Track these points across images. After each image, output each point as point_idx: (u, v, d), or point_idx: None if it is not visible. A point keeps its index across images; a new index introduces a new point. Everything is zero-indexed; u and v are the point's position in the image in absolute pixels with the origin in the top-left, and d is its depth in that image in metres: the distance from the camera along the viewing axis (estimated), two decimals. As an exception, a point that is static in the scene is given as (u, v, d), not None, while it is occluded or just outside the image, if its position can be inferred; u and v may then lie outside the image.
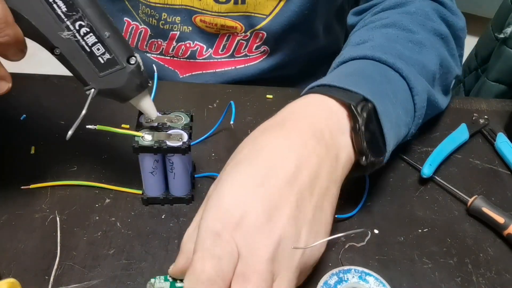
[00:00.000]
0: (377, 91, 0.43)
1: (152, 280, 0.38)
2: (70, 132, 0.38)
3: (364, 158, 0.40)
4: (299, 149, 0.37)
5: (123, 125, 0.52)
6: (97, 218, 0.45)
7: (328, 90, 0.43)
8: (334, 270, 0.39)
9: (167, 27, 0.64)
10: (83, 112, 0.38)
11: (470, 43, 0.99)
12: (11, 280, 0.37)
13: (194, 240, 0.34)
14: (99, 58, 0.37)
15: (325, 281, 0.38)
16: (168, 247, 0.42)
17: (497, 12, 0.83)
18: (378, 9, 0.58)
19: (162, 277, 0.38)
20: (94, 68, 0.37)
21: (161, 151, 0.42)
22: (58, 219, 0.44)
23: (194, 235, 0.35)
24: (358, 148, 0.40)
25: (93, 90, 0.38)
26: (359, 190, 0.48)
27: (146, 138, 0.42)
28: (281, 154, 0.37)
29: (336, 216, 0.45)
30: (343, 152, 0.40)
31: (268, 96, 0.60)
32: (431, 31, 0.54)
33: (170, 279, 0.38)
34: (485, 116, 0.56)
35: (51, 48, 0.37)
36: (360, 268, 0.39)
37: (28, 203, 0.46)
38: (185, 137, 0.42)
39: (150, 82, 0.40)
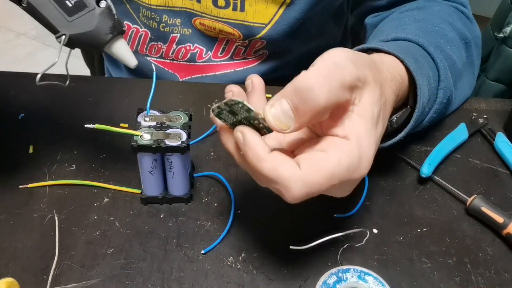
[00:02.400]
0: (419, 70, 0.44)
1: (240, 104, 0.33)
2: (38, 76, 0.38)
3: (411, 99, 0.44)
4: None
5: (121, 124, 0.52)
6: (95, 217, 0.45)
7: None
8: (333, 270, 0.39)
9: (168, 30, 0.64)
10: (56, 60, 0.37)
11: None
12: (9, 279, 0.37)
13: None
14: (67, 2, 0.37)
15: (324, 281, 0.38)
16: (167, 246, 0.42)
17: (497, 11, 0.83)
18: (403, 9, 0.59)
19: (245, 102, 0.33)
20: (63, 13, 0.37)
21: (160, 151, 0.42)
22: (56, 218, 0.44)
23: None
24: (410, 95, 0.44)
25: (63, 36, 0.37)
26: (358, 189, 0.48)
27: (145, 137, 0.42)
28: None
29: (335, 215, 0.45)
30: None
31: (267, 95, 0.59)
32: (458, 34, 0.55)
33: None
34: (484, 116, 0.56)
35: (18, 0, 0.37)
36: (359, 268, 0.39)
37: (26, 203, 0.46)
38: (184, 136, 0.42)
39: (125, 27, 0.39)
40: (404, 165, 0.51)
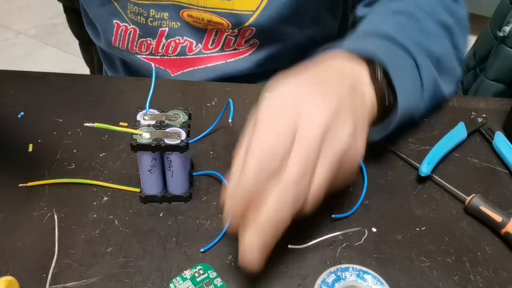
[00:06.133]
0: (390, 55, 0.47)
1: (172, 286, 0.38)
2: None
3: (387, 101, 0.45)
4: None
5: (121, 123, 0.52)
6: (95, 216, 0.45)
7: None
8: (332, 269, 0.39)
9: (156, 24, 0.64)
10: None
11: (469, 41, 0.99)
12: (8, 278, 0.37)
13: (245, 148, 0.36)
14: None
15: (323, 280, 0.38)
16: (166, 245, 0.42)
17: (496, 10, 0.83)
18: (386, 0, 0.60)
19: (178, 277, 0.39)
20: None
21: (159, 149, 0.42)
22: (56, 217, 0.44)
23: (245, 146, 0.37)
24: (378, 96, 0.45)
25: None
26: (357, 188, 0.48)
27: (144, 136, 0.42)
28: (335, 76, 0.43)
29: (333, 215, 0.45)
30: (368, 98, 0.44)
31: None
32: (437, 22, 0.55)
33: (188, 276, 0.39)
34: (483, 115, 0.56)
35: None
36: (358, 267, 0.39)
37: (25, 201, 0.46)
38: (183, 135, 0.42)
39: None
40: (403, 164, 0.51)
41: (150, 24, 0.64)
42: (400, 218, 0.46)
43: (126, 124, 0.52)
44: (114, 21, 0.66)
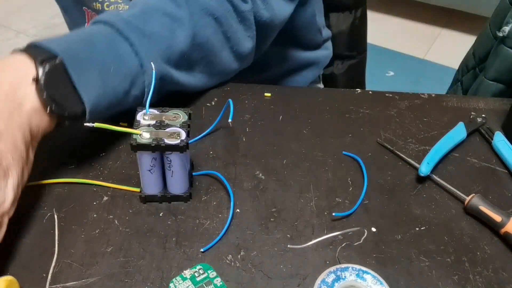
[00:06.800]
0: (75, 49, 0.45)
1: (172, 285, 0.38)
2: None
3: (48, 108, 0.43)
4: None
5: (121, 123, 0.52)
6: (95, 216, 0.45)
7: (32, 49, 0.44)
8: (332, 268, 0.39)
9: (113, 8, 0.62)
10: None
11: (468, 42, 0.99)
12: (8, 277, 0.37)
13: None
14: None
15: (322, 279, 0.38)
16: (166, 245, 0.42)
17: (495, 10, 0.83)
18: None
19: (178, 277, 0.39)
20: None
21: (159, 149, 0.42)
22: (56, 216, 0.44)
23: None
24: (41, 98, 0.43)
25: None
26: (356, 188, 0.48)
27: (144, 136, 0.42)
28: None
29: (333, 214, 0.45)
30: (27, 101, 0.42)
31: (266, 94, 0.60)
32: (202, 10, 0.52)
33: (188, 276, 0.39)
34: (483, 115, 0.56)
35: None
36: (358, 266, 0.40)
37: (26, 201, 0.46)
38: (183, 135, 0.42)
39: None
40: (402, 164, 0.51)
41: (106, 8, 0.62)
42: (400, 217, 0.46)
43: (126, 124, 0.52)
44: (84, 8, 0.65)
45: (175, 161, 0.43)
